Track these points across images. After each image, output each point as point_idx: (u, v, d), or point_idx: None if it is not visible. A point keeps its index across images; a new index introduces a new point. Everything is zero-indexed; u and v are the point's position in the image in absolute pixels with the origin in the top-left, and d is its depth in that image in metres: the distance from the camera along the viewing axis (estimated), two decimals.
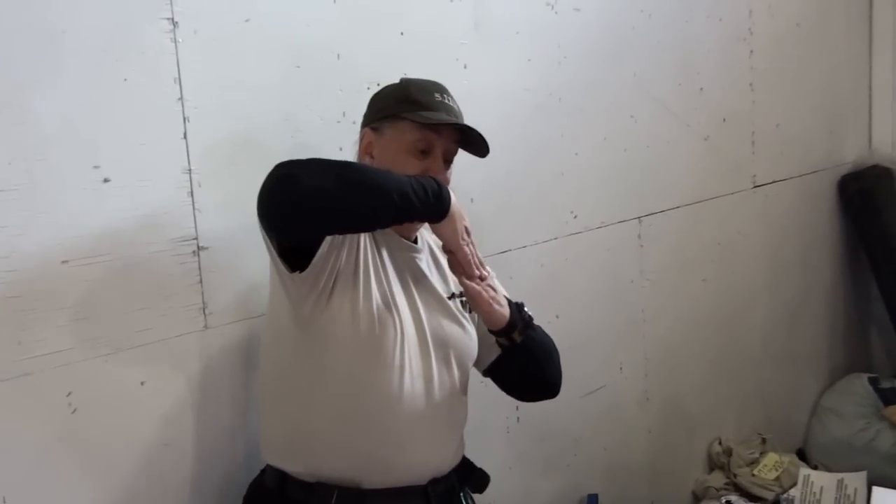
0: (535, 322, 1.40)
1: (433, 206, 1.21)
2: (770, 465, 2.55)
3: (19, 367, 1.20)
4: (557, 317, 1.97)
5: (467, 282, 1.29)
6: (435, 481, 1.33)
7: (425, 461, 1.32)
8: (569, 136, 2.04)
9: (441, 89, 1.34)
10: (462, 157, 1.36)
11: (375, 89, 1.40)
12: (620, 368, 2.27)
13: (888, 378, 2.99)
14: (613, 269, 2.21)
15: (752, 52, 2.60)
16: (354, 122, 1.43)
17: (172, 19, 1.32)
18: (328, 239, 1.21)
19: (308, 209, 1.12)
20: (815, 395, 3.04)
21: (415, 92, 1.32)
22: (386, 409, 1.26)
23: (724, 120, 2.52)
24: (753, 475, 2.52)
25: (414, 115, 1.28)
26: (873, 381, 2.93)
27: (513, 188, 1.92)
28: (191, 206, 1.36)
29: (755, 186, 2.68)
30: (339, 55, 1.56)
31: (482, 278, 1.31)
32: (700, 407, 2.55)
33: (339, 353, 1.25)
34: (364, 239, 1.29)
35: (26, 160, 1.19)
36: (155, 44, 1.31)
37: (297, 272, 1.21)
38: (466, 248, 1.28)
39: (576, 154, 2.06)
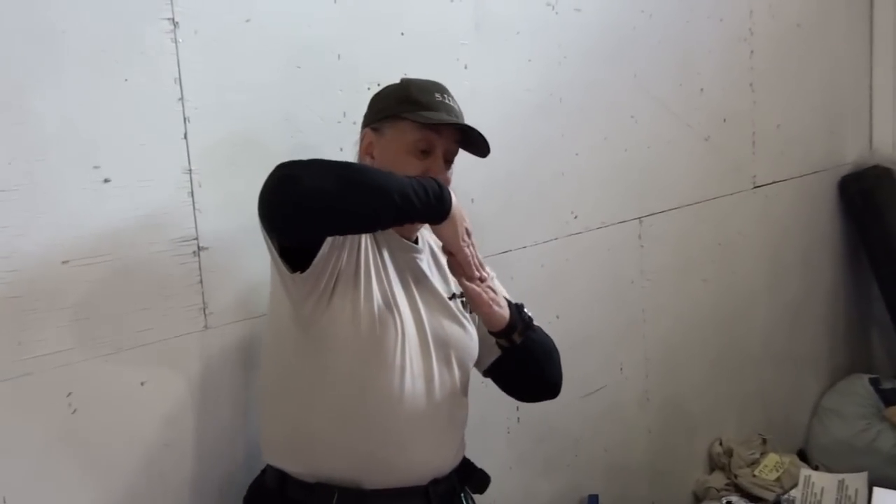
0: (536, 322, 1.40)
1: (434, 207, 1.21)
2: (771, 466, 2.55)
3: (20, 368, 1.20)
4: (558, 317, 1.97)
5: (467, 283, 1.29)
6: (436, 482, 1.33)
7: (426, 461, 1.32)
8: (569, 136, 2.04)
9: (441, 89, 1.34)
10: (462, 158, 1.36)
11: (376, 89, 1.40)
12: (621, 369, 2.27)
13: (889, 379, 2.98)
14: (614, 270, 2.21)
15: (752, 52, 2.60)
16: (355, 123, 1.43)
17: (173, 19, 1.32)
18: (329, 239, 1.21)
19: (309, 210, 1.12)
20: (815, 396, 3.04)
21: (415, 92, 1.32)
22: (387, 410, 1.26)
23: (725, 120, 2.52)
24: (754, 476, 2.52)
25: (415, 115, 1.28)
26: (874, 382, 2.93)
27: (513, 188, 1.92)
28: (191, 207, 1.36)
29: (756, 187, 2.68)
30: (339, 55, 1.56)
31: (482, 280, 1.31)
32: (701, 407, 2.55)
33: (340, 353, 1.25)
34: (365, 239, 1.29)
35: (27, 160, 1.19)
36: (155, 44, 1.31)
37: (298, 272, 1.21)
38: (467, 250, 1.28)
39: (576, 154, 2.06)
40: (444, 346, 1.34)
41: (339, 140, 1.52)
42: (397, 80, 1.38)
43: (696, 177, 2.44)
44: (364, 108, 1.38)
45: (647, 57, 2.23)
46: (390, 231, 1.32)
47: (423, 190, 1.18)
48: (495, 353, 1.40)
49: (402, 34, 1.66)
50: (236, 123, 1.42)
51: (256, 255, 1.34)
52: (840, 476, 2.47)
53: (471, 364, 1.42)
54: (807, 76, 2.86)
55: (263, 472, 1.35)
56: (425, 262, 1.38)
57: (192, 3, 1.34)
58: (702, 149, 2.45)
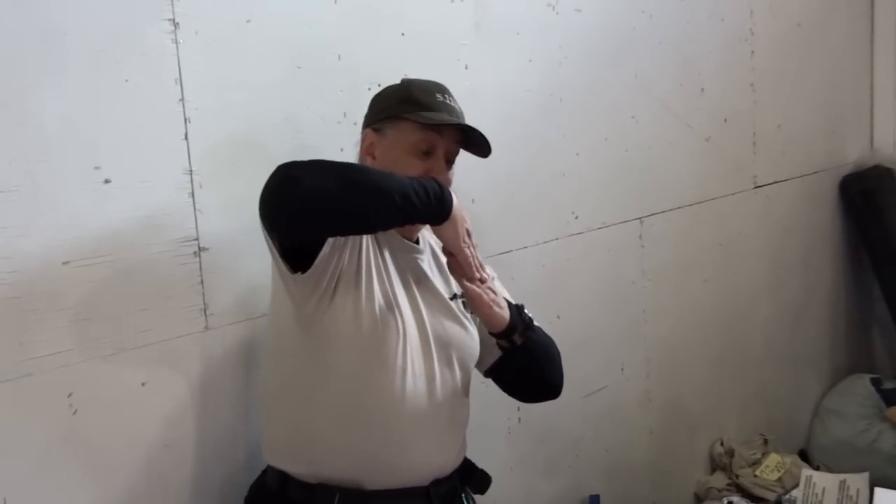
0: (537, 323, 1.40)
1: (435, 207, 1.21)
2: (772, 466, 2.55)
3: (20, 368, 1.20)
4: (559, 317, 1.97)
5: (468, 284, 1.29)
6: (437, 482, 1.33)
7: (428, 462, 1.32)
8: (570, 136, 2.04)
9: (443, 90, 1.34)
10: (463, 158, 1.36)
11: (376, 90, 1.41)
12: (622, 369, 2.27)
13: (890, 379, 2.98)
14: (615, 270, 2.21)
15: (753, 52, 2.60)
16: (355, 123, 1.43)
17: (174, 20, 1.32)
18: (330, 240, 1.21)
19: (310, 211, 1.12)
20: (817, 396, 3.04)
21: (416, 92, 1.32)
22: (388, 410, 1.26)
23: (726, 120, 2.52)
24: (755, 476, 2.52)
25: (416, 115, 1.28)
26: (875, 382, 2.93)
27: (514, 189, 1.92)
28: (192, 207, 1.36)
29: (756, 187, 2.68)
30: (339, 56, 1.56)
31: (482, 280, 1.31)
32: (702, 407, 2.55)
33: (342, 353, 1.25)
34: (366, 240, 1.29)
35: (27, 161, 1.19)
36: (156, 45, 1.31)
37: (299, 273, 1.21)
38: (467, 251, 1.27)
39: (577, 154, 2.06)
40: (446, 347, 1.34)
41: (339, 141, 1.52)
42: (398, 81, 1.38)
43: (697, 177, 2.44)
44: (365, 109, 1.38)
45: (648, 57, 2.22)
46: (391, 232, 1.32)
47: (424, 191, 1.18)
48: (496, 353, 1.40)
49: (403, 34, 1.66)
50: (237, 124, 1.42)
51: (257, 256, 1.34)
52: (841, 476, 2.47)
53: (472, 364, 1.41)
54: (808, 76, 2.86)
55: (264, 472, 1.35)
56: (426, 263, 1.38)
57: (192, 3, 1.34)
58: (702, 149, 2.45)
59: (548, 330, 1.44)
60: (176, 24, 1.32)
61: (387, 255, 1.32)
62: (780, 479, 2.52)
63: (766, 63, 2.64)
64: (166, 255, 1.34)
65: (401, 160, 1.28)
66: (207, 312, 1.40)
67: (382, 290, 1.28)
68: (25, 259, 1.19)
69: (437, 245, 1.41)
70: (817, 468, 2.67)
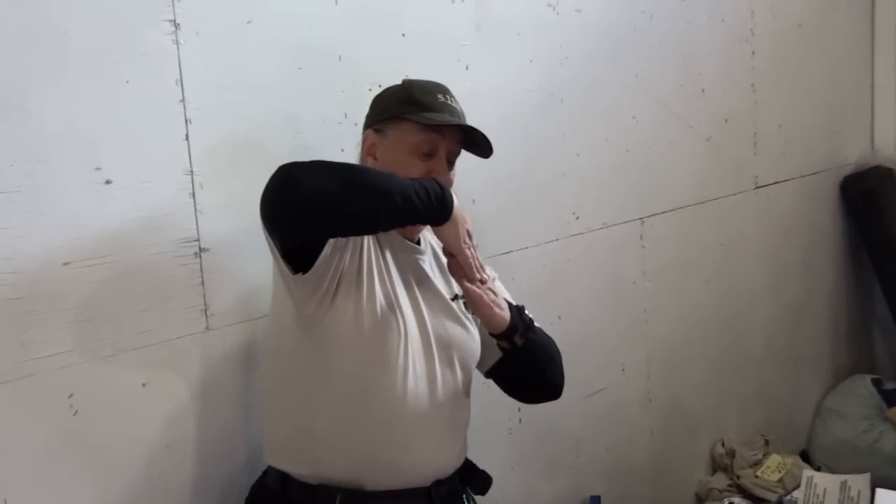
0: (537, 323, 1.40)
1: (436, 208, 1.21)
2: (773, 467, 2.55)
3: (21, 369, 1.20)
4: (559, 317, 1.97)
5: (468, 285, 1.29)
6: (438, 483, 1.33)
7: (429, 462, 1.32)
8: (570, 136, 2.04)
9: (444, 90, 1.34)
10: (463, 159, 1.36)
11: (377, 90, 1.40)
12: (622, 369, 2.27)
13: (891, 379, 2.98)
14: (615, 270, 2.21)
15: (753, 52, 2.60)
16: (356, 124, 1.43)
17: (174, 21, 1.32)
18: (331, 240, 1.21)
19: (311, 211, 1.12)
20: (818, 397, 3.04)
21: (417, 93, 1.31)
22: (389, 410, 1.26)
23: (726, 120, 2.52)
24: (756, 476, 2.51)
25: (417, 116, 1.28)
26: (876, 383, 2.92)
27: (514, 189, 1.92)
28: (192, 208, 1.36)
29: (757, 187, 2.68)
30: (340, 56, 1.56)
31: (482, 282, 1.31)
32: (702, 408, 2.55)
33: (343, 354, 1.25)
34: (367, 240, 1.29)
35: (28, 162, 1.19)
36: (157, 46, 1.31)
37: (301, 274, 1.21)
38: (468, 251, 1.27)
39: (577, 155, 2.06)
40: (447, 347, 1.34)
41: (340, 141, 1.52)
42: (399, 81, 1.37)
43: (698, 177, 2.44)
44: (365, 109, 1.38)
45: (649, 57, 2.22)
46: (393, 232, 1.32)
47: (425, 191, 1.18)
48: (497, 354, 1.40)
49: (403, 35, 1.66)
50: (237, 125, 1.42)
51: (258, 257, 1.34)
52: (842, 477, 2.47)
53: (473, 365, 1.41)
54: (808, 76, 2.86)
55: (265, 473, 1.35)
56: (427, 264, 1.38)
57: (193, 4, 1.34)
58: (703, 149, 2.45)
59: (548, 330, 1.44)
60: (177, 25, 1.32)
61: (388, 255, 1.32)
62: (781, 480, 2.51)
63: (767, 63, 2.64)
64: (167, 256, 1.34)
65: (402, 161, 1.28)
66: (208, 313, 1.40)
67: (384, 290, 1.28)
68: (26, 260, 1.19)
69: (438, 246, 1.41)
70: (818, 469, 2.67)
